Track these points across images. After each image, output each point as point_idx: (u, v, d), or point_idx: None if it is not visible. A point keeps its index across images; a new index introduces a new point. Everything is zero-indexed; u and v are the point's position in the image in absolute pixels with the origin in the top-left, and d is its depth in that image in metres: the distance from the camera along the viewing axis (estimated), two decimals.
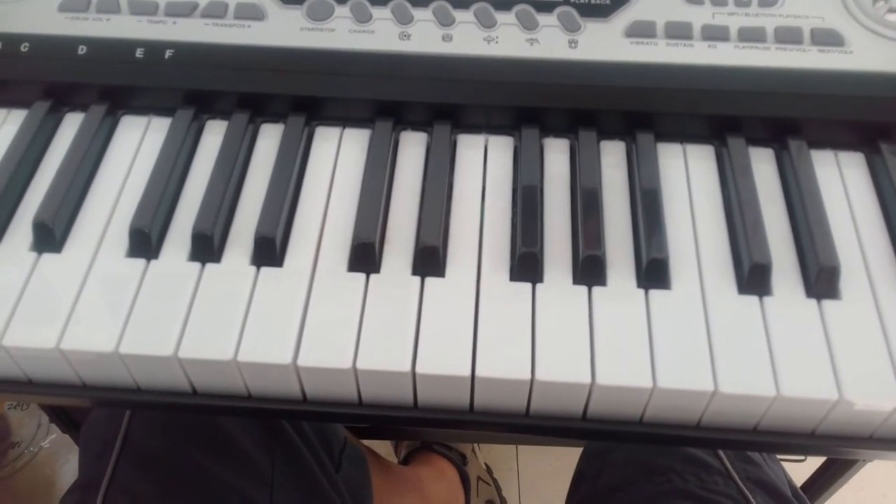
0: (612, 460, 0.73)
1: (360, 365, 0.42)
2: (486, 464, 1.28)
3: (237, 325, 0.44)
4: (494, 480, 1.26)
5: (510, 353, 0.43)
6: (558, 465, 1.31)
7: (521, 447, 1.35)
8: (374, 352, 0.43)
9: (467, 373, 0.42)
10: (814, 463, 0.99)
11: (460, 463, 1.19)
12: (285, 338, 0.43)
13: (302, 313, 0.44)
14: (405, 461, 1.20)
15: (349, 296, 0.45)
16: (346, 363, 0.42)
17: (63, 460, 1.28)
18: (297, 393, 0.45)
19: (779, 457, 0.78)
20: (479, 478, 1.22)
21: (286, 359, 0.42)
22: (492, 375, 0.42)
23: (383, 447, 1.27)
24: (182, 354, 0.43)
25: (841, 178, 0.50)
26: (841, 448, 0.45)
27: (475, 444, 1.25)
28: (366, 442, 1.05)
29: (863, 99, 0.50)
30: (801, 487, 0.97)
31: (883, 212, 0.48)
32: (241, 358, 0.42)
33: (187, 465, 0.61)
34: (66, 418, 0.99)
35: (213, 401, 0.46)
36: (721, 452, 0.67)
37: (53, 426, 1.27)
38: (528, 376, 0.42)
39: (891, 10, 0.54)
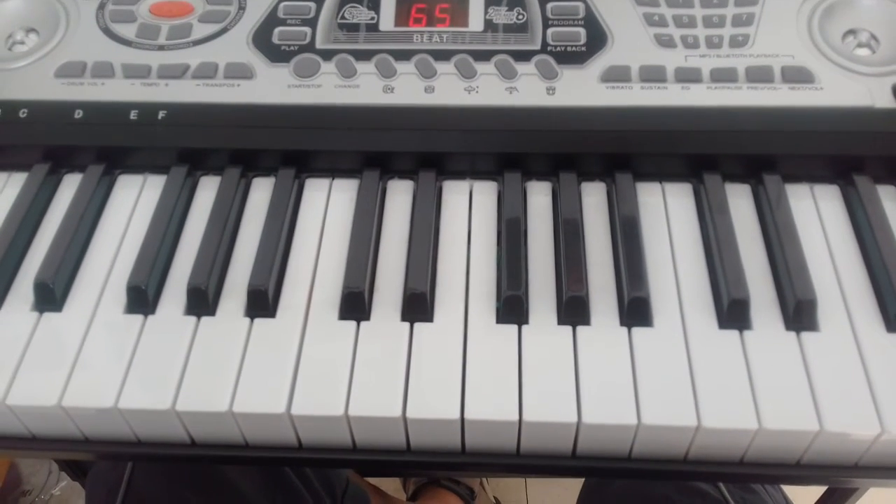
0: (611, 492, 0.73)
1: (353, 412, 0.44)
2: (494, 497, 1.28)
3: (232, 377, 0.45)
4: None
5: (498, 396, 0.44)
6: (567, 495, 1.30)
7: (530, 479, 1.34)
8: (366, 398, 0.44)
9: (457, 416, 0.43)
10: (820, 486, 0.98)
11: (468, 497, 1.19)
12: (279, 388, 0.44)
13: (295, 363, 0.45)
14: (413, 496, 1.20)
15: (340, 344, 0.46)
16: (339, 411, 0.44)
17: None
18: (293, 440, 0.46)
19: None
20: None
21: (280, 408, 0.44)
22: (480, 418, 0.43)
23: (392, 483, 1.27)
24: (179, 408, 0.44)
25: (817, 211, 0.51)
26: (827, 477, 0.46)
27: (483, 478, 1.26)
28: (373, 480, 1.06)
29: (835, 133, 0.52)
30: None
31: (858, 243, 0.50)
32: (237, 409, 0.44)
33: None
34: (75, 466, 0.99)
35: (212, 451, 0.47)
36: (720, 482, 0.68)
37: (63, 474, 1.27)
38: (516, 417, 0.43)
39: (860, 46, 0.56)
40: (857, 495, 0.85)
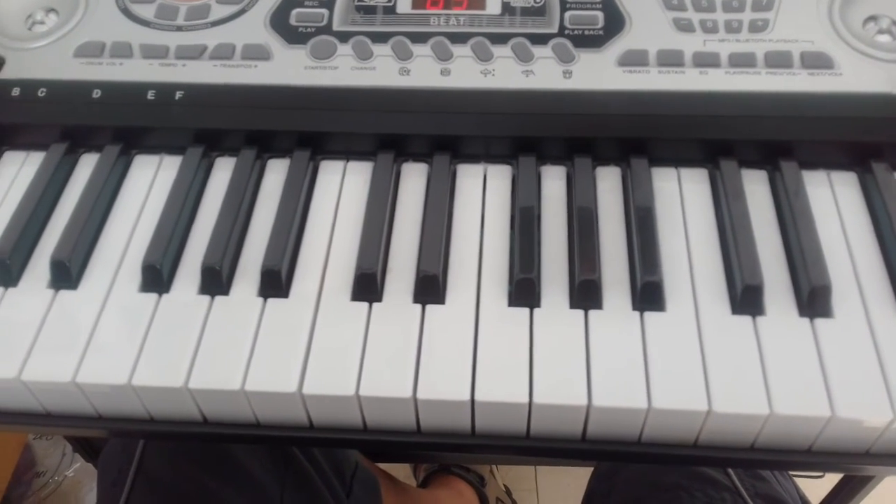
0: (621, 478, 0.74)
1: (363, 392, 0.44)
2: (504, 485, 1.28)
3: (245, 356, 0.45)
4: (514, 501, 1.26)
5: (508, 378, 0.44)
6: (577, 484, 1.30)
7: (539, 467, 1.35)
8: (377, 379, 0.44)
9: (467, 398, 0.43)
10: (833, 479, 0.98)
11: (479, 484, 1.19)
12: (291, 367, 0.45)
13: (307, 343, 0.46)
14: (424, 483, 1.21)
15: (352, 325, 0.46)
16: (350, 390, 0.44)
17: (87, 489, 1.30)
18: (304, 420, 0.46)
19: (797, 473, 0.78)
20: (497, 499, 1.22)
21: (292, 387, 0.44)
22: (491, 400, 0.43)
23: (402, 470, 1.27)
24: (192, 385, 0.44)
25: (833, 198, 0.51)
26: (838, 464, 0.45)
27: (494, 466, 1.26)
28: (383, 465, 1.06)
29: (853, 120, 0.51)
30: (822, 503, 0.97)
31: (875, 230, 0.49)
32: (249, 387, 0.44)
33: (198, 491, 0.63)
34: (88, 448, 1.00)
35: (223, 429, 0.47)
36: (730, 468, 0.68)
37: (77, 455, 1.29)
38: (527, 400, 0.43)
39: (881, 32, 0.55)
40: (870, 486, 0.85)
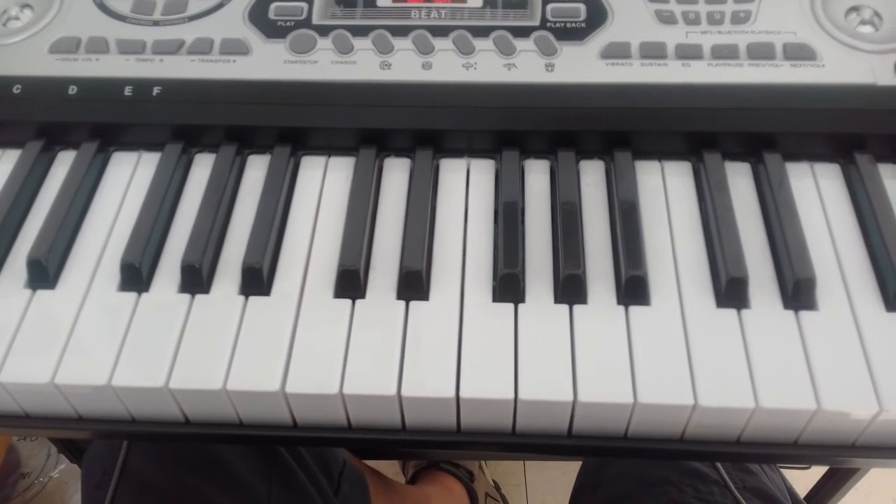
0: (609, 473, 0.73)
1: (347, 390, 0.43)
2: (493, 480, 1.28)
3: (226, 355, 0.45)
4: (503, 496, 1.26)
5: (493, 374, 0.43)
6: (566, 479, 1.30)
7: (528, 462, 1.35)
8: (361, 377, 0.44)
9: (452, 394, 0.43)
10: (820, 470, 0.99)
11: (468, 480, 1.19)
12: (273, 365, 0.44)
13: (289, 341, 0.45)
14: (412, 480, 1.21)
15: (335, 322, 0.46)
16: (333, 389, 0.43)
17: (73, 490, 1.29)
18: (288, 419, 0.46)
19: (784, 465, 0.78)
20: (487, 494, 1.22)
21: (274, 386, 0.43)
22: (476, 396, 0.43)
23: (391, 467, 1.27)
24: (173, 385, 0.44)
25: (817, 190, 0.51)
26: (825, 457, 0.45)
27: (482, 461, 1.26)
28: (372, 462, 1.06)
29: (836, 111, 0.51)
30: (808, 494, 0.97)
31: (859, 221, 0.49)
32: (231, 386, 0.43)
33: (184, 491, 0.62)
34: (73, 448, 1.00)
35: (206, 429, 0.47)
36: (717, 462, 0.68)
37: (62, 456, 1.28)
38: (512, 396, 0.43)
39: (863, 23, 0.55)
40: (857, 477, 0.85)
